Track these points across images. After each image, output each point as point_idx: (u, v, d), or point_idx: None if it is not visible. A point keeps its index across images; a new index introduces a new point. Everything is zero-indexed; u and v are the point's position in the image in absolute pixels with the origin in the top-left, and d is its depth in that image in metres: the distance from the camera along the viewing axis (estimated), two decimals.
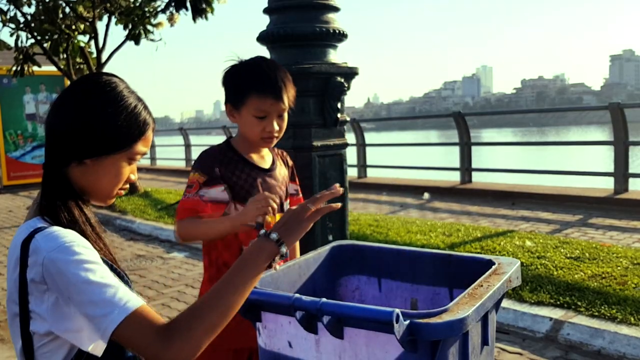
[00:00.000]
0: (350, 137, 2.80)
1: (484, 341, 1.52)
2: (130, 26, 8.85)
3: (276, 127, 1.89)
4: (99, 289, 1.05)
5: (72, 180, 1.23)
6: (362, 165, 10.88)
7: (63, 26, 8.85)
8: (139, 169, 13.18)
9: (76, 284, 1.05)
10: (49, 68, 10.08)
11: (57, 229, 1.13)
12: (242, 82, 1.87)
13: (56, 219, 1.17)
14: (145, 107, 1.29)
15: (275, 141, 1.95)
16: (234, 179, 1.90)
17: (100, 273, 1.08)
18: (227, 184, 1.89)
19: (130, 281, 1.25)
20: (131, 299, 1.06)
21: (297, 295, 1.41)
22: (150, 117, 1.29)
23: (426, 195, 8.73)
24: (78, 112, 1.20)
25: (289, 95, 1.89)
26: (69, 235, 1.12)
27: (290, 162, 2.11)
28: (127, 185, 1.32)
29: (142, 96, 1.31)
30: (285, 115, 1.93)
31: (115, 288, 1.06)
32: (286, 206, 2.00)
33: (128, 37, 8.98)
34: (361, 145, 10.86)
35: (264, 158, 2.01)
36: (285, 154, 2.12)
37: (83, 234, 1.18)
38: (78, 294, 1.05)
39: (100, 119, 1.20)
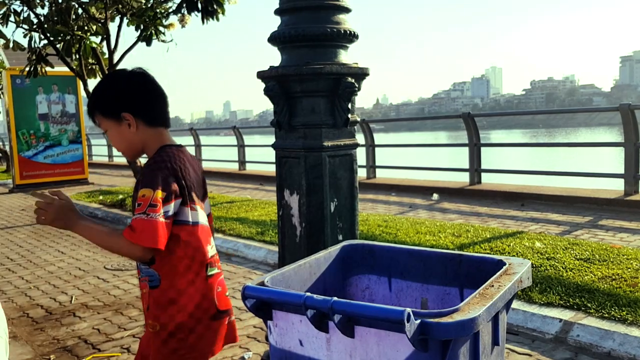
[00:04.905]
0: (359, 138, 2.82)
1: (495, 341, 1.52)
2: (142, 27, 8.89)
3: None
4: None
5: None
6: (371, 166, 10.88)
7: (75, 27, 8.90)
8: None
9: None
10: (62, 69, 10.14)
11: None
12: None
13: None
14: None
15: (124, 155, 1.98)
16: None
17: None
18: None
19: None
20: None
21: (309, 294, 1.41)
22: None
23: (435, 196, 8.71)
24: None
25: (97, 116, 1.89)
26: None
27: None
28: None
29: None
30: (112, 132, 1.87)
31: None
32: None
33: (140, 38, 9.01)
34: (370, 146, 10.85)
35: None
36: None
37: None
38: None
39: None
